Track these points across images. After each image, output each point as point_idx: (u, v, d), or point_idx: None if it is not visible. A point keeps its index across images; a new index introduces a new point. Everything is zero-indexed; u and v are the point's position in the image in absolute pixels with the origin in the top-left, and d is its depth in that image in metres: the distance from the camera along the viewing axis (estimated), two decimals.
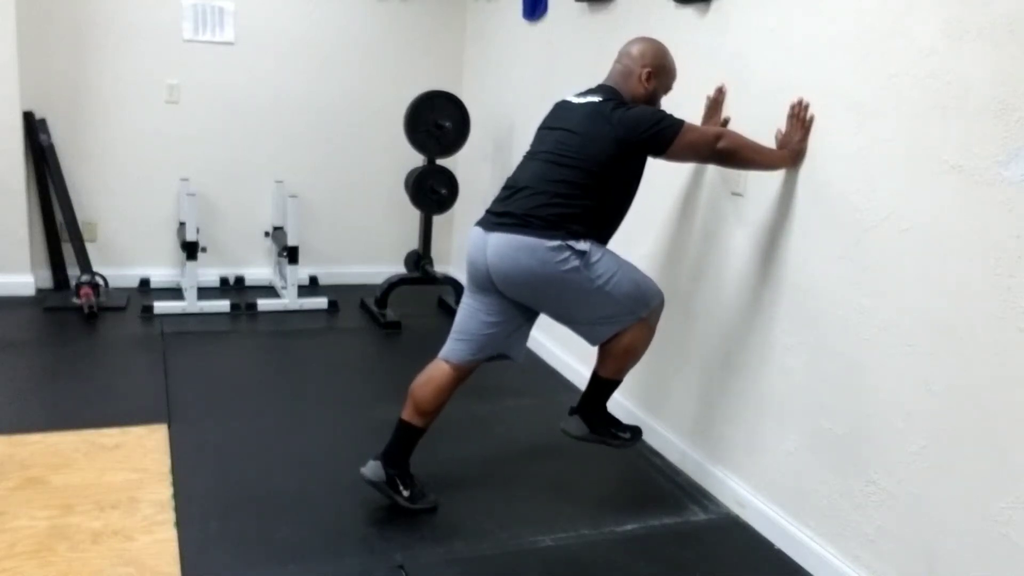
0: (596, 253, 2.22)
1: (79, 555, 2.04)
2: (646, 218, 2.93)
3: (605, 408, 2.48)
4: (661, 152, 2.23)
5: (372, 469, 2.35)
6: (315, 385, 3.34)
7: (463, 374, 2.37)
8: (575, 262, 2.17)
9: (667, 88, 2.42)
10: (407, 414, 2.36)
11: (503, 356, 2.40)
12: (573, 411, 2.48)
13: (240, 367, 3.50)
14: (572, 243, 2.17)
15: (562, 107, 2.39)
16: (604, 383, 2.43)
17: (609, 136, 2.19)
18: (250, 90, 4.45)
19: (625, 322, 2.29)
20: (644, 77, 2.33)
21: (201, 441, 2.72)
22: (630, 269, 2.32)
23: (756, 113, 2.47)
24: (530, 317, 2.39)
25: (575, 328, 2.37)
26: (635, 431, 2.52)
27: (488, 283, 2.28)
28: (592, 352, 2.41)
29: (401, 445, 2.37)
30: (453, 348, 2.37)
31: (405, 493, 2.36)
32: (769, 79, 2.44)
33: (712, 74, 2.67)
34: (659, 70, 2.35)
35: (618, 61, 2.39)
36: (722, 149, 2.25)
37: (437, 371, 2.37)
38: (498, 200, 2.31)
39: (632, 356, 2.37)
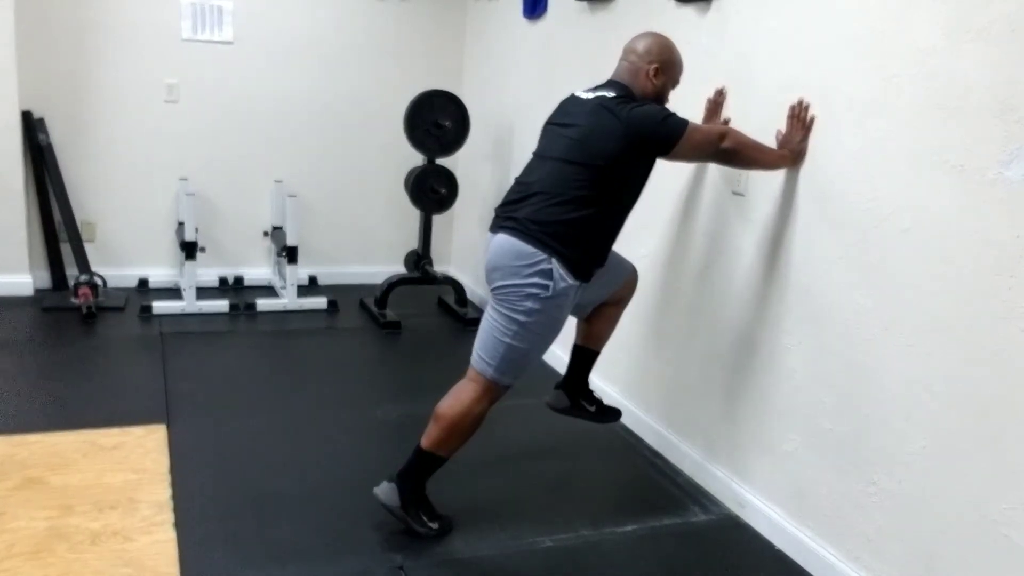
0: (554, 300, 2.14)
1: (78, 556, 2.04)
2: (647, 218, 2.93)
3: (423, 488, 2.29)
4: (667, 151, 2.21)
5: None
6: (315, 385, 3.34)
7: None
8: (535, 291, 2.12)
9: (675, 82, 2.40)
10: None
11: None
12: (392, 478, 2.27)
13: (239, 367, 3.49)
14: (550, 273, 2.12)
15: (571, 102, 2.35)
16: (424, 456, 2.24)
17: (615, 132, 2.16)
18: (249, 90, 4.44)
19: (480, 366, 2.20)
20: (652, 73, 2.30)
21: (200, 441, 2.72)
22: (543, 345, 2.23)
23: (757, 113, 2.47)
24: None
25: (476, 346, 2.26)
26: (445, 525, 2.31)
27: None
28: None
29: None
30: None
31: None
32: (770, 79, 2.44)
33: (713, 74, 2.67)
34: (666, 65, 2.32)
35: (624, 58, 2.36)
36: (726, 149, 2.25)
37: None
38: (510, 202, 2.26)
39: (457, 433, 2.21)
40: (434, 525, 2.28)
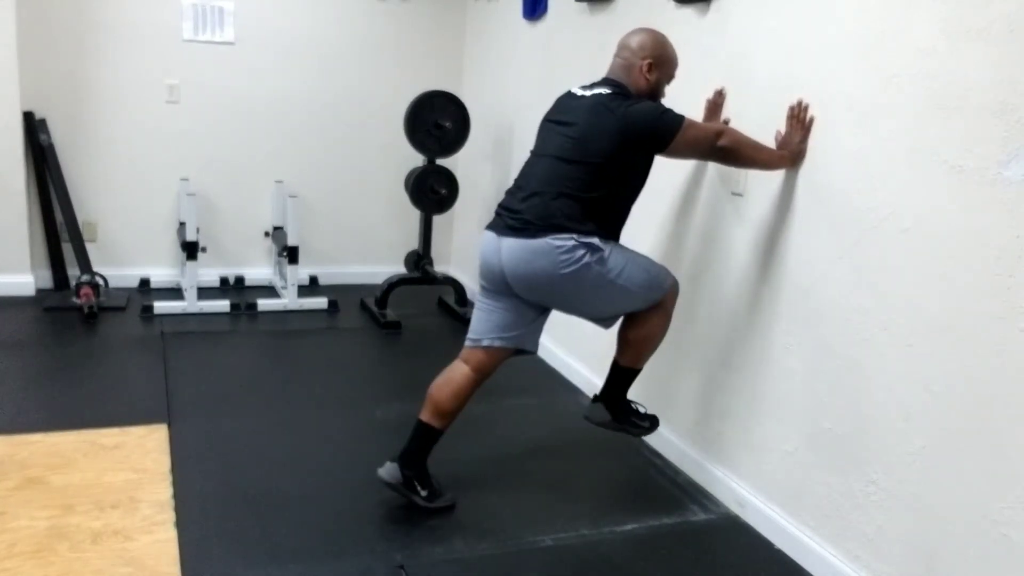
0: (606, 248, 2.24)
1: (79, 555, 2.04)
2: (645, 218, 2.93)
3: (625, 396, 2.53)
4: (663, 148, 2.24)
5: (389, 471, 2.36)
6: (315, 385, 3.34)
7: (482, 375, 2.37)
8: (588, 258, 2.19)
9: (670, 77, 2.42)
10: (425, 415, 2.36)
11: (520, 351, 2.41)
12: (596, 399, 2.54)
13: (240, 367, 3.49)
14: (584, 239, 2.18)
15: (567, 99, 2.38)
16: (624, 372, 2.48)
17: (612, 130, 2.19)
18: (250, 90, 4.45)
19: (641, 308, 2.35)
20: (645, 69, 2.32)
21: (201, 441, 2.72)
22: (638, 258, 2.35)
23: (756, 113, 2.47)
24: (544, 311, 2.40)
25: (594, 321, 2.43)
26: (653, 420, 2.58)
27: (504, 286, 2.29)
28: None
29: (418, 446, 2.37)
30: (470, 346, 2.38)
31: (423, 493, 2.37)
32: (769, 79, 2.44)
33: (712, 74, 2.67)
34: (660, 60, 2.34)
35: (618, 55, 2.38)
36: (723, 147, 2.26)
37: (456, 372, 2.38)
38: (509, 203, 2.30)
39: (650, 344, 2.43)
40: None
